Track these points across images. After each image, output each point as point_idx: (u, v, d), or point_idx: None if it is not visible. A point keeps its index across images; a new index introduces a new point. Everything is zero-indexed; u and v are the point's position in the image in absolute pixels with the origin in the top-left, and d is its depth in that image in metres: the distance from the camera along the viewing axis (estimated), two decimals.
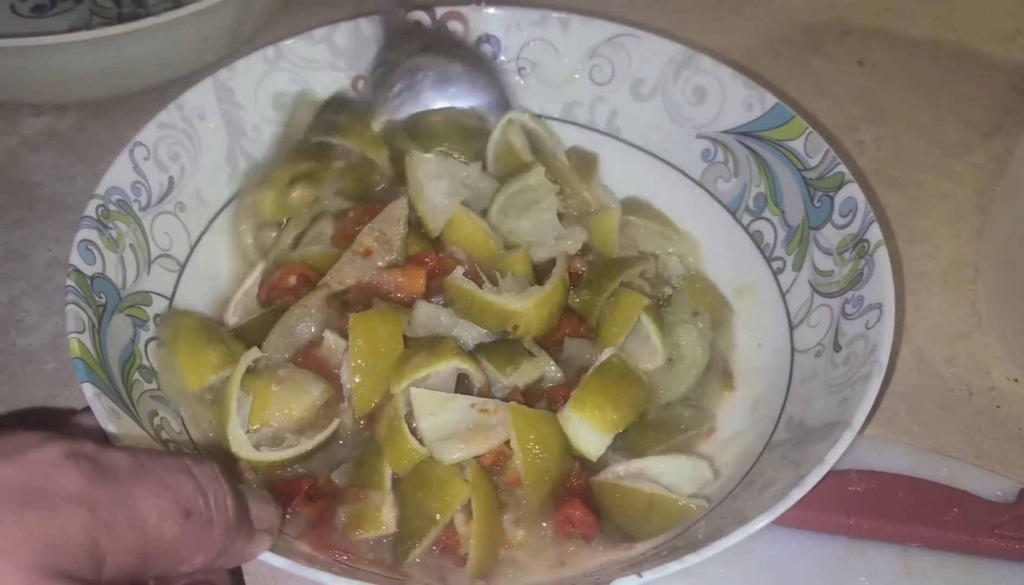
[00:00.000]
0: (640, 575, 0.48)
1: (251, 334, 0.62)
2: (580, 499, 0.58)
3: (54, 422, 0.60)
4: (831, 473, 0.52)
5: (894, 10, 1.00)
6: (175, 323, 0.62)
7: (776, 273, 0.69)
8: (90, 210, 0.60)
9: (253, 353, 0.59)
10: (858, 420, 0.53)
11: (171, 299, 0.65)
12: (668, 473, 0.58)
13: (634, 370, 0.62)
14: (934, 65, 0.94)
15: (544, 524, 0.58)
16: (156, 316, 0.62)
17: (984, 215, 0.80)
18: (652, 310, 0.65)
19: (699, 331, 0.65)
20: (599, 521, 0.58)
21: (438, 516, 0.54)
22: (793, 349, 0.65)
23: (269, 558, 0.47)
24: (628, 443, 0.61)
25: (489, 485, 0.57)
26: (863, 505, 0.59)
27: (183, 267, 0.66)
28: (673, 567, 0.48)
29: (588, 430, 0.58)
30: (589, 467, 0.60)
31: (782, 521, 0.51)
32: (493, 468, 0.58)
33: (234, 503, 0.43)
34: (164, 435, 0.55)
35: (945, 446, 0.66)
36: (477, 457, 0.57)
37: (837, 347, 0.61)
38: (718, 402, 0.65)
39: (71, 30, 0.89)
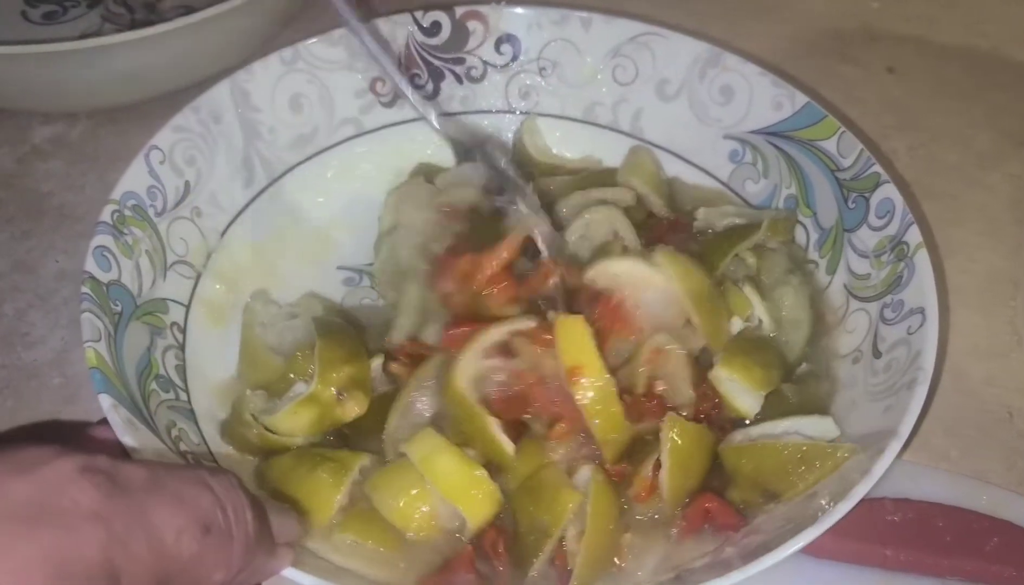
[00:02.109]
0: None
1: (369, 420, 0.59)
2: (710, 492, 0.56)
3: (67, 435, 0.58)
4: (865, 500, 0.49)
5: (924, 16, 0.98)
6: (272, 471, 0.56)
7: (812, 275, 0.66)
8: (105, 215, 0.58)
9: (364, 458, 0.56)
10: (905, 429, 0.51)
11: (188, 306, 0.63)
12: (799, 428, 0.57)
13: (765, 338, 0.62)
14: (966, 73, 0.92)
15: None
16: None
17: (1022, 227, 0.78)
18: (752, 280, 0.63)
19: (796, 288, 0.63)
20: (727, 491, 0.57)
21: (552, 528, 0.53)
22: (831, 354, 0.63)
23: (292, 574, 0.45)
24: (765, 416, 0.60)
25: (610, 498, 0.55)
26: (900, 535, 0.57)
27: (200, 274, 0.65)
28: (720, 583, 0.46)
29: (740, 388, 0.59)
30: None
31: (815, 551, 0.49)
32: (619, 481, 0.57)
33: (254, 516, 0.41)
34: (183, 447, 0.53)
35: (985, 472, 0.64)
36: (605, 469, 0.56)
37: (877, 353, 0.59)
38: (835, 359, 0.62)
39: (82, 37, 0.87)
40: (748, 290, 0.63)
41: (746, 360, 0.59)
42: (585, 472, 0.55)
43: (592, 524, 0.52)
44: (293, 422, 0.57)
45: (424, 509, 0.54)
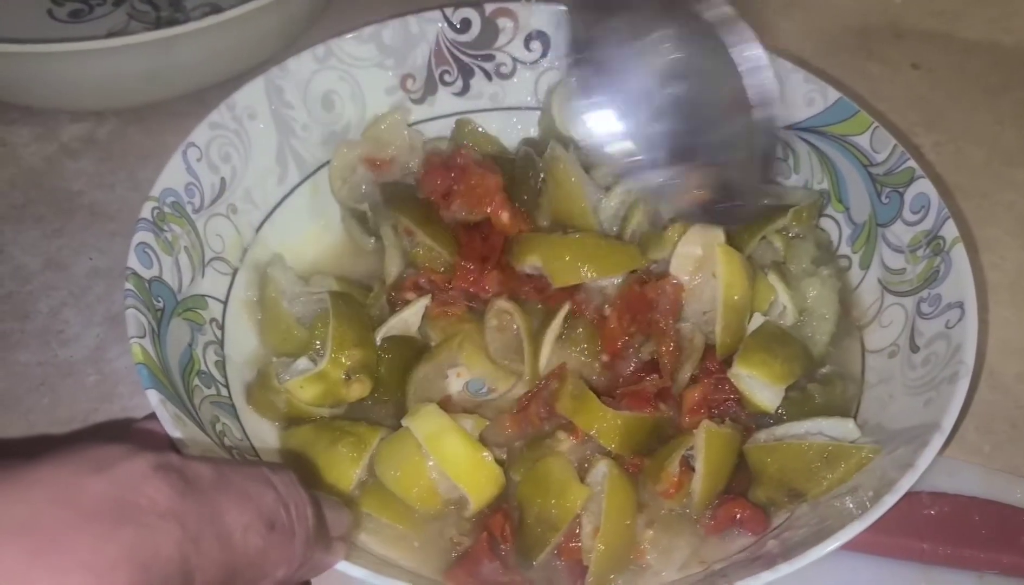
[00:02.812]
0: None
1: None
2: (741, 497, 0.57)
3: (110, 433, 0.58)
4: (905, 494, 0.49)
5: (948, 11, 0.98)
6: (292, 441, 0.58)
7: (842, 271, 0.67)
8: (146, 212, 0.58)
9: (382, 432, 0.58)
10: (947, 422, 0.51)
11: (225, 302, 0.63)
12: (821, 429, 0.57)
13: (787, 331, 0.62)
14: (992, 69, 0.92)
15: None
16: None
17: None
18: (778, 268, 0.63)
19: (824, 280, 0.63)
20: (752, 490, 0.57)
21: (560, 522, 0.53)
22: (864, 350, 0.63)
23: (345, 567, 0.45)
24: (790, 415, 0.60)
25: (627, 493, 0.55)
26: (937, 529, 0.57)
27: (236, 269, 0.65)
28: (767, 576, 0.46)
29: (760, 384, 0.59)
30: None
31: (852, 545, 0.49)
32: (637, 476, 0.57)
33: (313, 512, 0.41)
34: (227, 442, 0.54)
35: (1019, 467, 0.64)
36: (619, 461, 0.56)
37: (914, 348, 0.59)
38: (856, 361, 0.63)
39: (109, 35, 0.88)
40: (772, 277, 0.63)
41: (765, 356, 0.59)
42: (601, 467, 0.55)
43: (608, 520, 0.52)
44: (299, 394, 0.59)
45: (422, 480, 0.55)
